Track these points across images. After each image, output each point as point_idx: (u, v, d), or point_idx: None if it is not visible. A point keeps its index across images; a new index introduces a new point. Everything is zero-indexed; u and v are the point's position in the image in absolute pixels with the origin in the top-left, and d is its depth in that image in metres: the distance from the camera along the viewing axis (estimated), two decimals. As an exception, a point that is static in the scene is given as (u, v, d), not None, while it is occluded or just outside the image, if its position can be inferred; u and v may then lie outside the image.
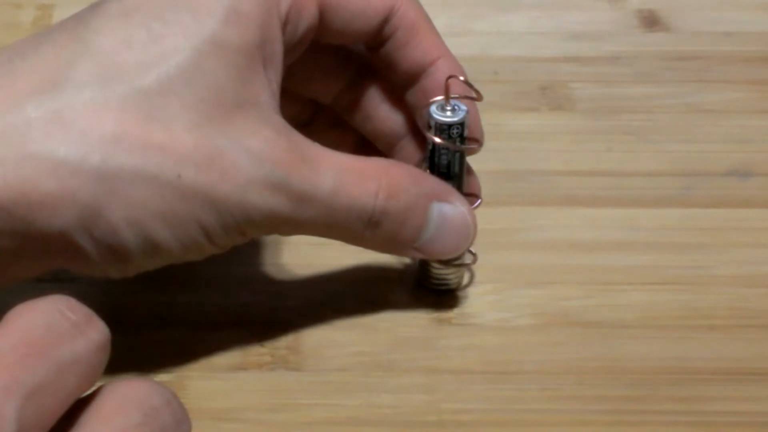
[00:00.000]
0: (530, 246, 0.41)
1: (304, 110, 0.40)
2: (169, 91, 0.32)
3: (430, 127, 0.37)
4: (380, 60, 0.38)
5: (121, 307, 0.38)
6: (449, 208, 0.36)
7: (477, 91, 0.36)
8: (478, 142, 0.37)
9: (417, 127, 0.38)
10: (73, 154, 0.31)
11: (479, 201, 0.38)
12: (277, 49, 0.34)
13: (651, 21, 0.54)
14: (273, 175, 0.32)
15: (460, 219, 0.36)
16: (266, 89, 0.33)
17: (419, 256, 0.37)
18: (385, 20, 0.37)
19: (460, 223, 0.36)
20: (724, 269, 0.40)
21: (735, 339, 0.37)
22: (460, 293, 0.39)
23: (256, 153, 0.32)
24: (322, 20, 0.36)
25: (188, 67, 0.32)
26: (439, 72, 0.37)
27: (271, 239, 0.41)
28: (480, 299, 0.39)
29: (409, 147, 0.38)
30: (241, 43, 0.33)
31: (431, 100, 0.37)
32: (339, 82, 0.39)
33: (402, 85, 0.38)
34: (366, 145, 0.40)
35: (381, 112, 0.39)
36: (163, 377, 0.36)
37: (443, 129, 0.36)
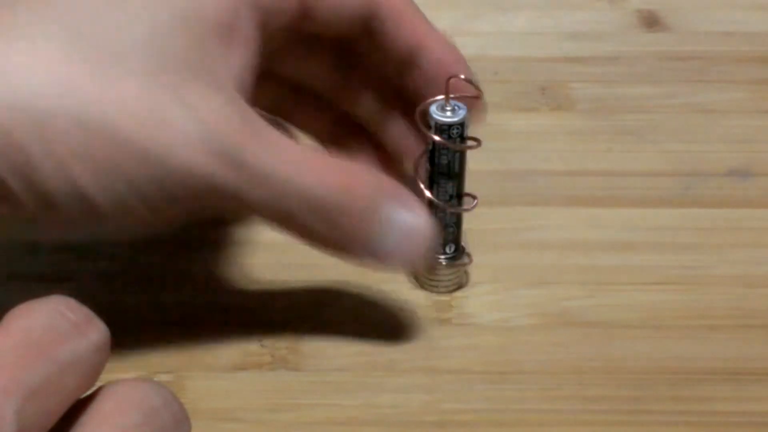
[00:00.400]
0: (530, 246, 0.41)
1: (287, 94, 0.40)
2: (120, 47, 0.31)
3: (429, 127, 0.37)
4: (370, 48, 0.37)
5: (121, 307, 0.38)
6: (407, 215, 0.34)
7: (477, 87, 0.36)
8: (477, 140, 0.38)
9: (406, 108, 0.38)
10: (11, 95, 0.30)
11: (476, 201, 0.38)
12: (247, 30, 0.33)
13: (651, 21, 0.54)
14: (221, 145, 0.31)
15: (417, 227, 0.34)
16: (226, 64, 0.33)
17: (371, 262, 0.35)
18: (370, 12, 0.36)
19: (416, 231, 0.34)
20: (724, 269, 0.40)
21: (735, 339, 0.37)
22: (461, 293, 0.39)
23: (205, 119, 0.31)
24: (304, 9, 0.35)
25: (144, 28, 0.31)
26: (433, 53, 0.37)
27: (271, 239, 0.41)
28: (480, 299, 0.39)
29: (397, 128, 0.38)
30: (204, 14, 0.32)
31: (430, 100, 0.37)
32: (326, 64, 0.39)
33: (395, 71, 0.38)
34: (349, 128, 0.40)
35: (369, 94, 0.39)
36: (163, 377, 0.36)
37: (443, 129, 0.36)
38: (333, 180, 0.33)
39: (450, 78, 0.36)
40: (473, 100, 0.37)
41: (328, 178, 0.33)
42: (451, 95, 0.36)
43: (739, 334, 0.37)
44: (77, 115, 0.30)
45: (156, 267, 0.40)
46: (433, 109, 0.36)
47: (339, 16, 0.36)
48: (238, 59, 0.33)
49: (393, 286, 0.39)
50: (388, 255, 0.34)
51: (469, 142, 0.37)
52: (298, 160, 0.32)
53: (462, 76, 0.37)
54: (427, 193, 0.38)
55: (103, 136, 0.30)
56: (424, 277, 0.39)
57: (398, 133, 0.39)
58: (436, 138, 0.36)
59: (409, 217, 0.34)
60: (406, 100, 0.38)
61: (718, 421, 0.34)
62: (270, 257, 0.40)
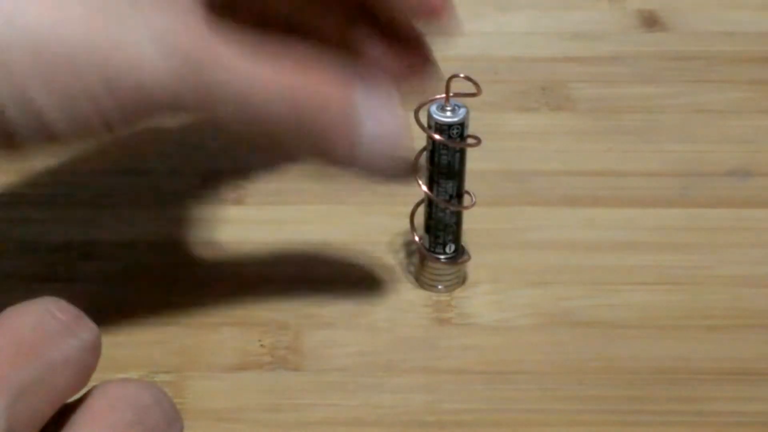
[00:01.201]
0: (530, 246, 0.41)
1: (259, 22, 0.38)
2: None
3: (429, 127, 0.37)
4: None
5: (121, 306, 0.38)
6: (379, 110, 0.32)
7: (477, 84, 0.36)
8: (477, 138, 0.38)
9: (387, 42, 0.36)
10: None
11: (474, 200, 0.38)
12: None
13: (651, 21, 0.54)
14: (180, 59, 0.30)
15: (391, 124, 0.33)
16: None
17: (350, 167, 0.33)
18: None
19: (390, 128, 0.33)
20: (724, 269, 0.40)
21: (735, 339, 0.37)
22: (461, 293, 0.39)
23: (162, 30, 0.30)
24: None
25: None
26: None
27: (271, 238, 0.41)
28: (480, 299, 0.39)
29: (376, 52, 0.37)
30: None
31: (431, 99, 0.37)
32: None
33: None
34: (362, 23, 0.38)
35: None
36: (163, 377, 0.36)
37: (443, 129, 0.36)
38: (301, 80, 0.31)
39: (451, 78, 0.36)
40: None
41: (297, 80, 0.31)
42: (451, 94, 0.36)
43: (739, 334, 0.37)
44: (29, 38, 0.29)
45: (156, 267, 0.40)
46: (433, 109, 0.36)
47: None
48: None
49: (393, 285, 0.39)
50: (367, 156, 0.33)
51: (469, 140, 0.37)
52: (258, 63, 0.31)
53: (462, 75, 0.36)
54: (427, 191, 0.38)
55: (57, 57, 0.29)
56: (423, 276, 0.39)
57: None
58: (437, 137, 0.36)
59: (380, 113, 0.33)
60: (395, 34, 0.36)
61: (718, 421, 0.34)
62: (270, 256, 0.40)
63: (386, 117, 0.33)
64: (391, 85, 0.34)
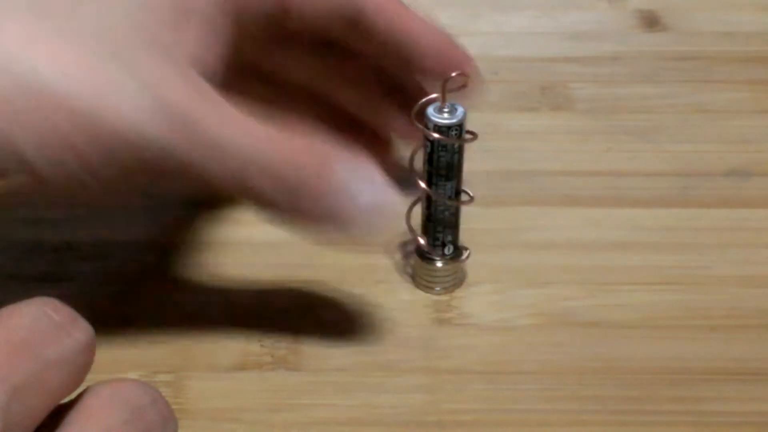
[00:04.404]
0: (530, 246, 0.41)
1: (278, 90, 0.39)
2: (71, 15, 0.30)
3: (428, 128, 0.37)
4: (363, 43, 0.37)
5: (120, 306, 0.38)
6: (363, 180, 0.33)
7: (467, 76, 0.36)
8: (474, 134, 0.37)
9: (406, 100, 0.38)
10: None
11: (472, 196, 0.38)
12: (210, 13, 0.33)
13: (651, 21, 0.54)
14: (171, 110, 0.30)
15: (375, 191, 0.33)
16: (181, 41, 0.32)
17: (332, 229, 0.33)
18: (355, 9, 0.36)
19: (374, 196, 0.33)
20: (724, 269, 0.40)
21: (735, 339, 0.37)
22: (460, 293, 0.39)
23: (154, 85, 0.30)
24: (282, 4, 0.35)
25: (94, 6, 0.31)
26: (428, 48, 0.37)
27: (271, 239, 0.41)
28: (480, 299, 0.39)
29: (394, 119, 0.39)
30: None
31: (428, 99, 0.37)
32: (314, 60, 0.38)
33: (393, 65, 0.37)
34: (346, 120, 0.40)
35: (363, 87, 0.38)
36: (163, 377, 0.36)
37: (442, 131, 0.36)
38: (287, 146, 0.32)
39: (446, 80, 0.36)
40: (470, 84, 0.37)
41: (283, 145, 0.32)
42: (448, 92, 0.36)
43: (739, 334, 0.37)
44: (16, 78, 0.29)
45: (156, 267, 0.40)
46: (431, 111, 0.36)
47: (319, 14, 0.35)
48: (195, 39, 0.33)
49: (393, 286, 0.39)
50: (348, 220, 0.33)
51: (467, 136, 0.37)
52: (251, 129, 0.32)
53: (454, 74, 0.36)
54: (425, 188, 0.38)
55: (41, 98, 0.29)
56: (421, 278, 0.39)
57: (397, 125, 0.39)
58: (436, 135, 0.36)
59: (367, 180, 0.33)
60: (407, 92, 0.38)
61: (718, 421, 0.34)
62: (270, 257, 0.40)
63: (370, 178, 0.33)
64: (371, 161, 0.34)
